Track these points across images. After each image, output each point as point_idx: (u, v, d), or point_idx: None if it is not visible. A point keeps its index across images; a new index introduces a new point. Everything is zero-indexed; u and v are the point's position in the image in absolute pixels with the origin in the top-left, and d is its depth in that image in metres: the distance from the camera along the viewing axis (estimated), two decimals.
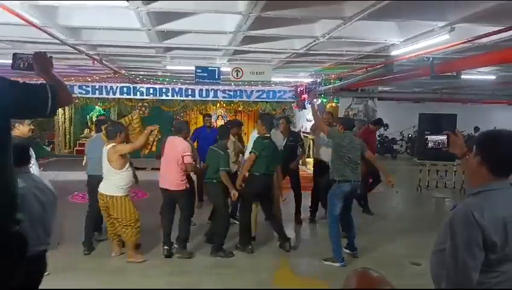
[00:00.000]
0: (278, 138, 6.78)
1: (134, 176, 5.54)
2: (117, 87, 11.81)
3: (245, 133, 11.82)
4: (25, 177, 2.82)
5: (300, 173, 7.89)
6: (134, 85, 11.92)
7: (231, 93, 12.33)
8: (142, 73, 11.22)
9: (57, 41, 5.65)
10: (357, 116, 11.90)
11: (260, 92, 12.43)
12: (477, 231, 1.83)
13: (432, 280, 2.06)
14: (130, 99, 12.76)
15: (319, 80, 11.20)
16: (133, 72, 11.03)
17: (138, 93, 11.98)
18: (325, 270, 5.34)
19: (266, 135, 5.96)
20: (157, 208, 5.98)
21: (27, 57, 2.29)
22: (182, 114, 15.34)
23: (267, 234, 6.46)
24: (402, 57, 6.58)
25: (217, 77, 8.39)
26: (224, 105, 14.45)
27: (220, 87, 11.85)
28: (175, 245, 5.71)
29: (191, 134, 7.37)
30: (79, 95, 11.78)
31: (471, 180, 2.06)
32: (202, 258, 5.65)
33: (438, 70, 6.41)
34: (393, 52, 6.33)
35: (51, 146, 14.82)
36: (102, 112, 13.89)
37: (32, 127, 4.44)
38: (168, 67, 9.37)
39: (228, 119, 14.38)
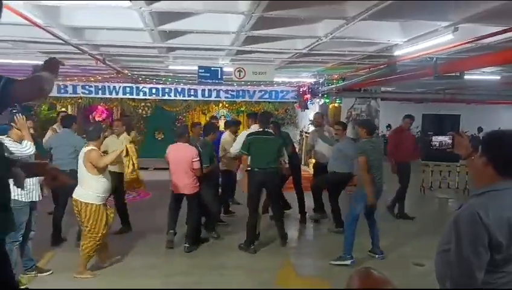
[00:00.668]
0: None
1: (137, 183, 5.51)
2: (120, 87, 11.82)
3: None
4: None
5: (302, 173, 7.90)
6: (137, 85, 11.93)
7: (234, 93, 12.33)
8: (144, 73, 11.24)
9: (60, 41, 5.66)
10: (360, 116, 11.87)
11: (263, 92, 12.42)
12: (482, 231, 1.83)
13: (437, 280, 2.06)
14: (133, 99, 12.78)
15: (321, 80, 11.19)
16: (135, 72, 11.06)
17: (141, 93, 11.99)
18: (328, 271, 5.32)
19: (259, 130, 6.10)
20: (159, 208, 6.01)
21: (39, 66, 2.31)
22: (184, 114, 15.36)
23: (270, 235, 6.45)
24: (405, 57, 6.57)
25: (219, 77, 8.40)
26: (227, 105, 14.44)
27: (222, 87, 11.85)
28: (185, 244, 5.82)
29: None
30: (82, 95, 11.81)
31: (477, 181, 2.07)
32: (205, 258, 5.65)
33: (441, 71, 6.39)
34: (397, 52, 6.32)
35: None
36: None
37: (32, 131, 4.45)
38: (171, 67, 9.38)
39: (231, 119, 14.38)
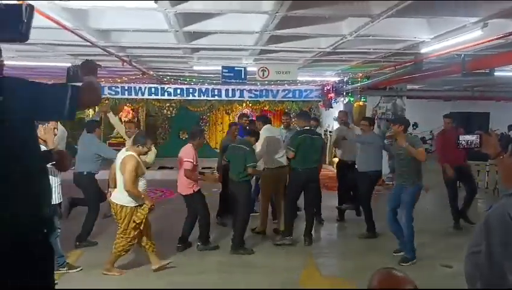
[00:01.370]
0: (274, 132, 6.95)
1: None
2: (145, 87, 12.03)
3: None
4: None
5: (324, 172, 7.85)
6: (162, 86, 12.11)
7: (257, 92, 12.36)
8: (169, 74, 11.39)
9: (88, 43, 5.79)
10: (385, 115, 11.72)
11: (286, 92, 12.40)
12: None
13: (466, 281, 2.01)
14: (158, 100, 12.96)
15: (345, 79, 11.09)
16: (160, 73, 11.22)
17: (166, 93, 12.16)
18: (352, 270, 5.28)
19: (306, 127, 6.13)
20: (178, 209, 6.05)
21: (75, 67, 2.39)
22: (208, 114, 15.48)
23: (294, 236, 6.43)
24: (432, 55, 6.44)
25: (243, 76, 8.43)
26: (250, 105, 14.47)
27: (246, 87, 11.89)
28: (198, 243, 5.86)
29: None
30: (109, 96, 12.05)
31: (507, 181, 2.01)
32: (228, 256, 5.68)
33: (469, 68, 6.25)
34: (423, 50, 6.21)
35: None
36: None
37: (56, 132, 4.53)
38: (195, 68, 9.47)
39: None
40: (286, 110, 12.21)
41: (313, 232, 6.34)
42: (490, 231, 1.84)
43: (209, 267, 5.36)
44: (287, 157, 6.28)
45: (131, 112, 14.65)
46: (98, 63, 2.43)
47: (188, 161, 5.61)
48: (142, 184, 4.94)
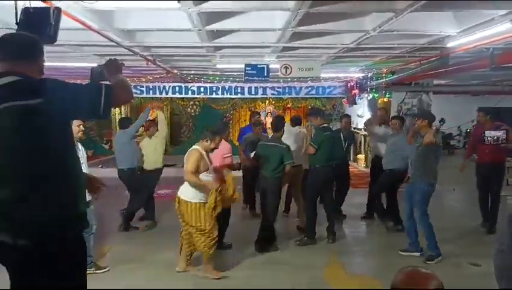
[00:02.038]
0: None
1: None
2: (169, 86, 12.14)
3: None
4: None
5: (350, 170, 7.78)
6: (186, 84, 12.21)
7: (280, 90, 12.33)
8: (193, 72, 11.47)
9: (113, 43, 5.90)
10: (411, 111, 11.51)
11: (309, 88, 12.33)
12: None
13: (496, 280, 1.98)
14: (182, 98, 13.08)
15: (370, 75, 10.95)
16: (184, 72, 11.32)
17: (190, 92, 12.26)
18: (377, 268, 5.23)
19: (324, 125, 6.21)
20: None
21: (99, 67, 2.43)
22: (231, 112, 15.57)
23: (317, 234, 6.40)
24: (459, 49, 6.29)
25: (266, 74, 8.43)
26: (273, 102, 14.48)
27: (268, 84, 11.88)
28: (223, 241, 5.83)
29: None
30: (134, 95, 12.20)
31: None
32: (255, 254, 5.67)
33: (498, 62, 6.09)
34: (449, 44, 6.07)
35: (109, 144, 15.52)
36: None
37: (83, 128, 4.60)
38: (218, 66, 9.52)
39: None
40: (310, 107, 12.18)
41: (336, 229, 6.31)
42: None
43: (235, 263, 5.34)
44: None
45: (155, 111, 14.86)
46: (122, 62, 2.46)
47: (227, 157, 5.74)
48: (206, 180, 4.76)
